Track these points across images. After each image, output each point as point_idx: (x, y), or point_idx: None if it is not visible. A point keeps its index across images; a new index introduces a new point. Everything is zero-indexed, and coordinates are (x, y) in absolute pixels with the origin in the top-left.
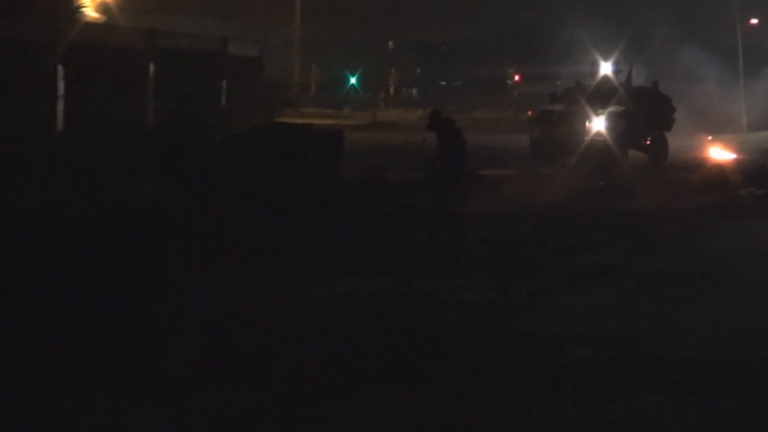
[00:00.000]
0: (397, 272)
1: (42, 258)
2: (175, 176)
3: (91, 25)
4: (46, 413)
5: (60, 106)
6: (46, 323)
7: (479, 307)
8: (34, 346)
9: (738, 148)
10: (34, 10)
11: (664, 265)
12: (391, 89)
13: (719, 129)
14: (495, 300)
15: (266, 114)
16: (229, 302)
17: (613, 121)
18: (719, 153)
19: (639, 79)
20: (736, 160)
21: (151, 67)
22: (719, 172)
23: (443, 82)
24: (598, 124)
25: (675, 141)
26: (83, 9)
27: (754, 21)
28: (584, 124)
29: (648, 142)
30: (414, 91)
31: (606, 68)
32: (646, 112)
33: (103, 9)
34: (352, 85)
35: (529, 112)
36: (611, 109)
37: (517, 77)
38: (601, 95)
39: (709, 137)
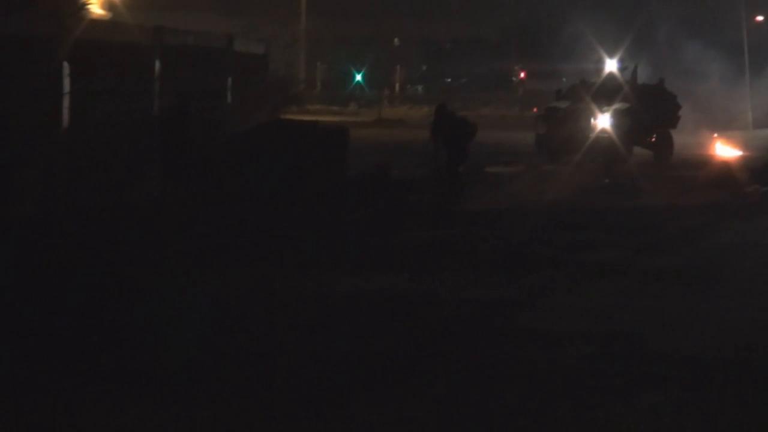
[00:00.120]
0: (399, 269)
1: (44, 255)
2: (179, 174)
3: (97, 23)
4: (47, 413)
5: (65, 103)
6: (47, 321)
7: (483, 304)
8: (35, 345)
9: (743, 145)
10: (40, 7)
11: (669, 262)
12: (397, 86)
13: (724, 126)
14: (498, 297)
15: (272, 111)
16: (231, 300)
17: (618, 119)
18: (724, 150)
19: (644, 76)
20: (742, 157)
21: (157, 65)
22: (724, 169)
23: (449, 80)
24: (603, 122)
25: (680, 138)
26: (89, 6)
27: (759, 18)
28: (589, 121)
29: (653, 140)
30: (419, 88)
31: (611, 65)
32: (651, 110)
33: (109, 6)
34: (358, 82)
35: (535, 109)
36: (616, 106)
37: (522, 74)
38: (606, 92)
39: (715, 134)
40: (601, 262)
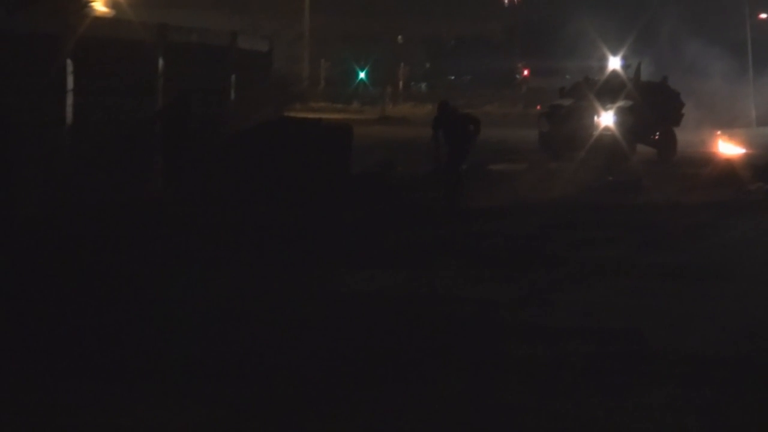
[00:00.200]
0: (401, 267)
1: (46, 253)
2: (180, 172)
3: (101, 20)
4: (47, 412)
5: (69, 100)
6: (48, 320)
7: (484, 301)
8: (35, 344)
9: (747, 143)
10: (44, 5)
11: (672, 260)
12: (400, 84)
13: (728, 124)
14: (502, 294)
15: (275, 108)
16: (232, 299)
17: (622, 116)
18: (728, 148)
19: (647, 74)
20: (745, 155)
21: (161, 62)
22: (728, 166)
23: (452, 77)
24: (606, 119)
25: (683, 136)
26: (92, 4)
27: (763, 16)
28: (593, 118)
29: (656, 137)
30: (423, 85)
31: (615, 63)
32: (655, 107)
33: (113, 4)
34: (362, 79)
35: (538, 107)
36: (620, 103)
37: (526, 72)
38: (609, 90)
39: (718, 132)
40: (603, 259)
